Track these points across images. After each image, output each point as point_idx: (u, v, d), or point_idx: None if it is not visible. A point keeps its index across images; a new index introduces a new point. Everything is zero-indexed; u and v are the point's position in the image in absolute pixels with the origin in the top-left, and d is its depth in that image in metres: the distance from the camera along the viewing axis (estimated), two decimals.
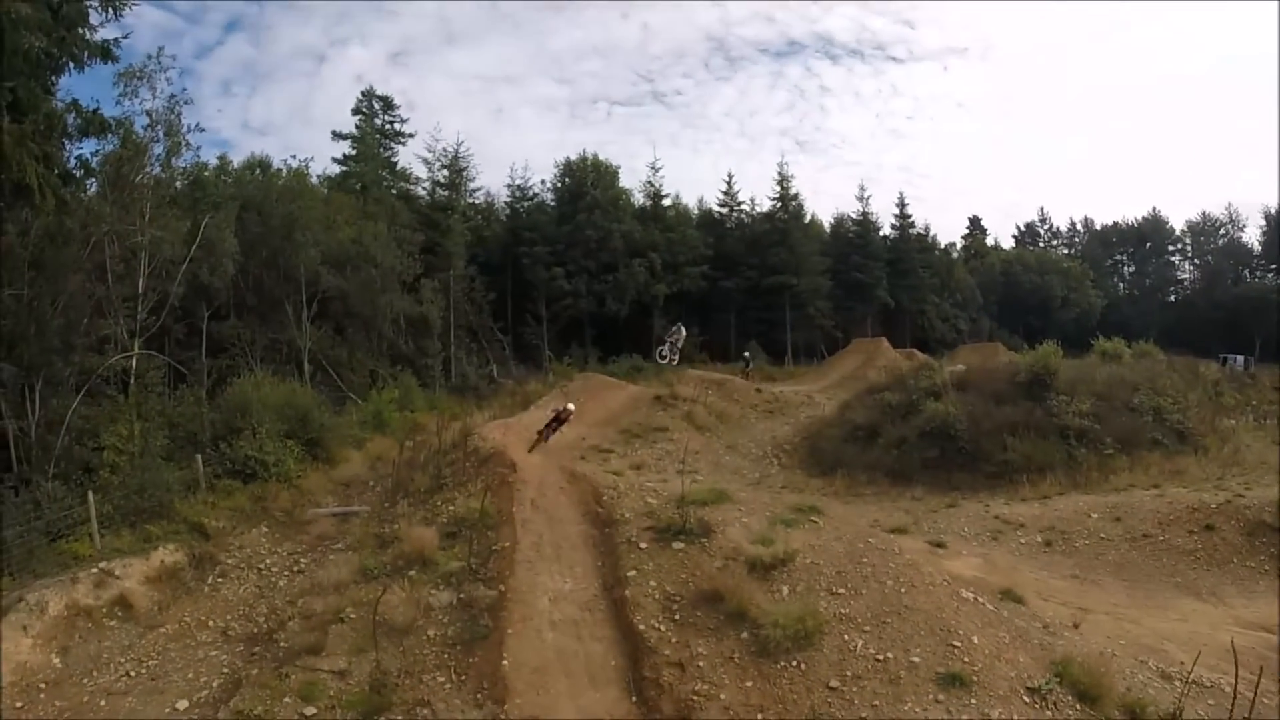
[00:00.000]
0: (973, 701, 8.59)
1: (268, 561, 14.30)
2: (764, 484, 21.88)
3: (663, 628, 10.01)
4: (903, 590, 10.39)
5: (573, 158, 56.39)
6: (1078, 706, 8.72)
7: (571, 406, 22.31)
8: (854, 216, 65.18)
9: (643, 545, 11.72)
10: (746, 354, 48.57)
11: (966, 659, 9.17)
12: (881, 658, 9.17)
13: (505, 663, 9.74)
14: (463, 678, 9.77)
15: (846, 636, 9.48)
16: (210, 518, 15.54)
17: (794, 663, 9.14)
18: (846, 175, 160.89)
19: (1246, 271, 77.80)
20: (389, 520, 14.78)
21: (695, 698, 8.96)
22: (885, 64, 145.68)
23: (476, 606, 10.95)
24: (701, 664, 9.35)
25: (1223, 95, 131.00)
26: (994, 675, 8.98)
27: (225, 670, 11.11)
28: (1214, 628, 11.54)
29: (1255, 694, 8.28)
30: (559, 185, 56.29)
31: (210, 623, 12.53)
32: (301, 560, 14.23)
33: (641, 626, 10.05)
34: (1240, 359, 48.00)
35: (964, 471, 20.83)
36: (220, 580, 13.69)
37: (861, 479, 21.56)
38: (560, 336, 51.92)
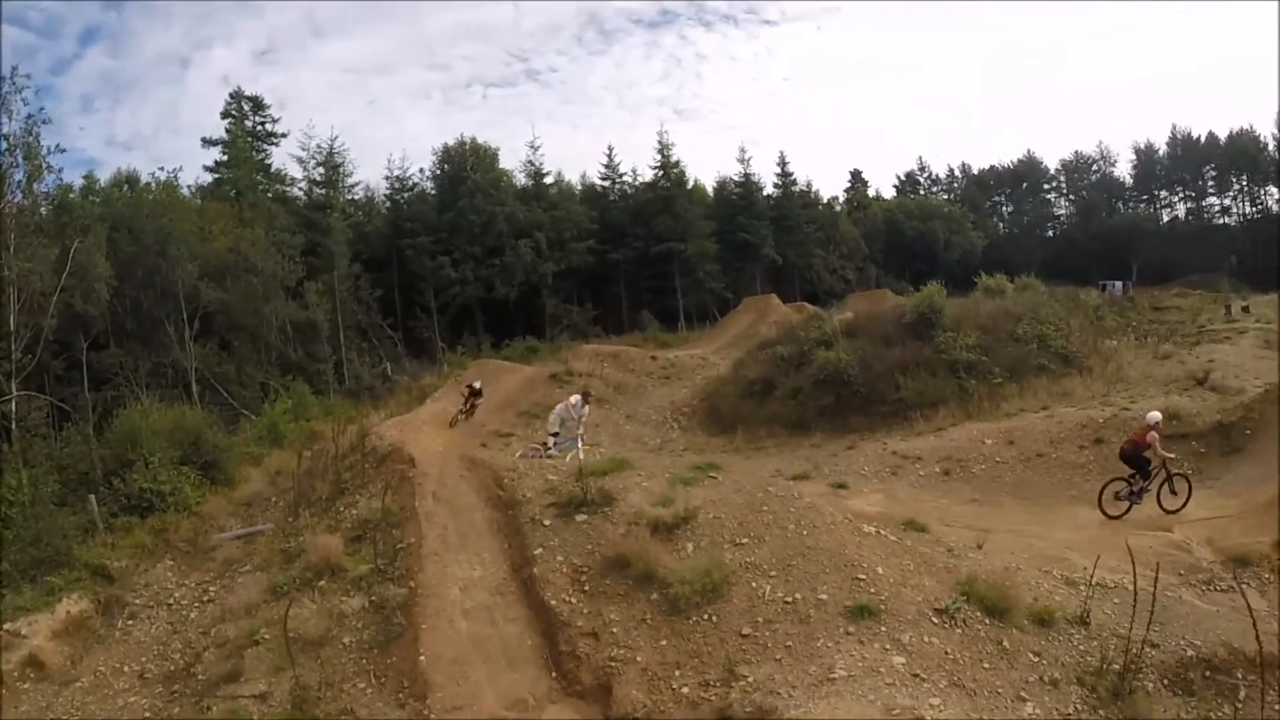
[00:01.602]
0: (882, 629, 8.94)
1: (176, 595, 13.84)
2: (666, 449, 22.71)
3: (574, 600, 10.23)
4: (804, 533, 10.74)
5: (450, 143, 56.72)
6: (987, 621, 9.19)
7: (479, 384, 23.56)
8: (736, 178, 67.12)
9: (546, 522, 11.81)
10: None
11: (873, 590, 9.55)
12: (790, 599, 9.47)
13: (422, 658, 9.84)
14: (383, 680, 9.87)
15: (754, 584, 9.77)
16: (112, 559, 15.16)
17: (705, 616, 9.40)
18: (729, 139, 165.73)
19: (1120, 203, 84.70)
20: (294, 534, 14.63)
21: (613, 664, 9.19)
22: (759, 27, 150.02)
23: (389, 607, 11.05)
24: (615, 630, 9.57)
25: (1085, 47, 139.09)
26: (901, 602, 9.37)
27: (147, 714, 10.83)
28: (1113, 533, 12.37)
29: (1155, 588, 8.94)
30: (438, 172, 56.67)
31: (125, 668, 12.06)
32: (211, 588, 13.88)
33: (553, 602, 10.25)
34: (1119, 284, 51.71)
35: (860, 414, 22.10)
36: (130, 623, 13.20)
37: (761, 433, 22.53)
38: (451, 326, 52.12)
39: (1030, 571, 10.73)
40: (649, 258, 58.29)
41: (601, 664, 9.22)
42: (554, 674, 9.56)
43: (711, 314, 56.66)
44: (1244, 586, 10.63)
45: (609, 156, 63.69)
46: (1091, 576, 10.01)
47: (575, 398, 17.53)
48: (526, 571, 10.95)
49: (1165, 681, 8.91)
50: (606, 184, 63.64)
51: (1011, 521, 13.42)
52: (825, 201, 75.51)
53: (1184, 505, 13.78)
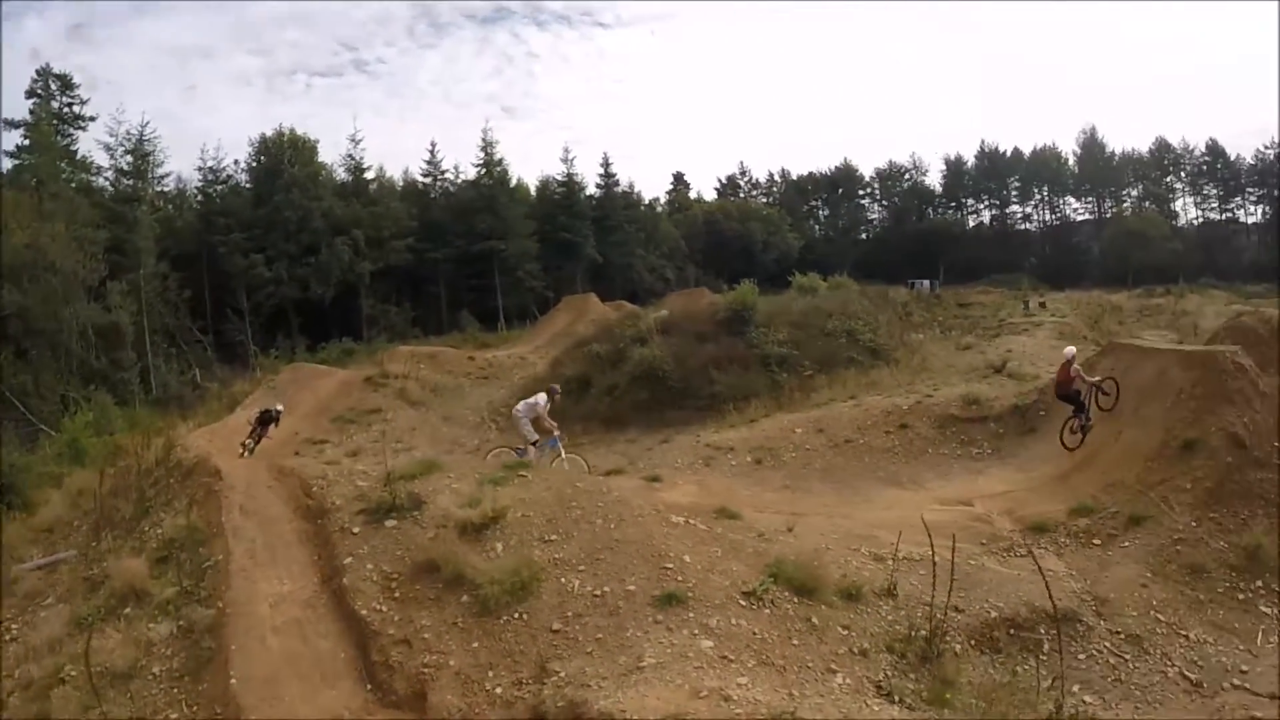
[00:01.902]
0: (690, 615, 9.08)
1: None
2: (484, 450, 22.59)
3: (385, 609, 10.00)
4: (613, 526, 10.86)
5: (269, 134, 54.68)
6: (796, 600, 9.50)
7: (280, 406, 21.56)
8: (559, 178, 68.15)
9: (356, 530, 11.36)
10: None
11: (680, 578, 9.70)
12: (599, 592, 9.57)
13: (233, 681, 9.27)
14: (195, 708, 9.28)
15: (563, 579, 9.83)
16: None
17: (516, 615, 9.39)
18: (557, 139, 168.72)
19: (930, 209, 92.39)
20: (97, 559, 13.34)
21: (426, 670, 9.06)
22: (593, 29, 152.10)
23: (197, 630, 10.34)
24: (427, 636, 9.44)
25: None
26: (709, 588, 9.56)
27: None
28: (918, 510, 12.91)
29: (953, 556, 9.56)
30: (254, 164, 54.44)
31: None
32: (13, 627, 12.34)
33: (364, 612, 9.97)
34: (927, 283, 55.44)
35: (675, 408, 22.77)
36: None
37: (577, 430, 22.61)
38: (265, 329, 50.31)
39: (840, 550, 11.16)
40: (470, 257, 58.09)
41: (415, 671, 9.07)
42: (369, 686, 9.30)
43: (532, 313, 56.82)
44: (1041, 551, 11.60)
45: (432, 153, 63.44)
46: (896, 550, 10.46)
47: (540, 396, 16.22)
48: (337, 582, 10.60)
49: (972, 642, 9.58)
50: (428, 181, 63.34)
51: (823, 505, 13.90)
52: (647, 202, 77.85)
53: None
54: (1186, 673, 9.75)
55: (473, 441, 24.00)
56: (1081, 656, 9.70)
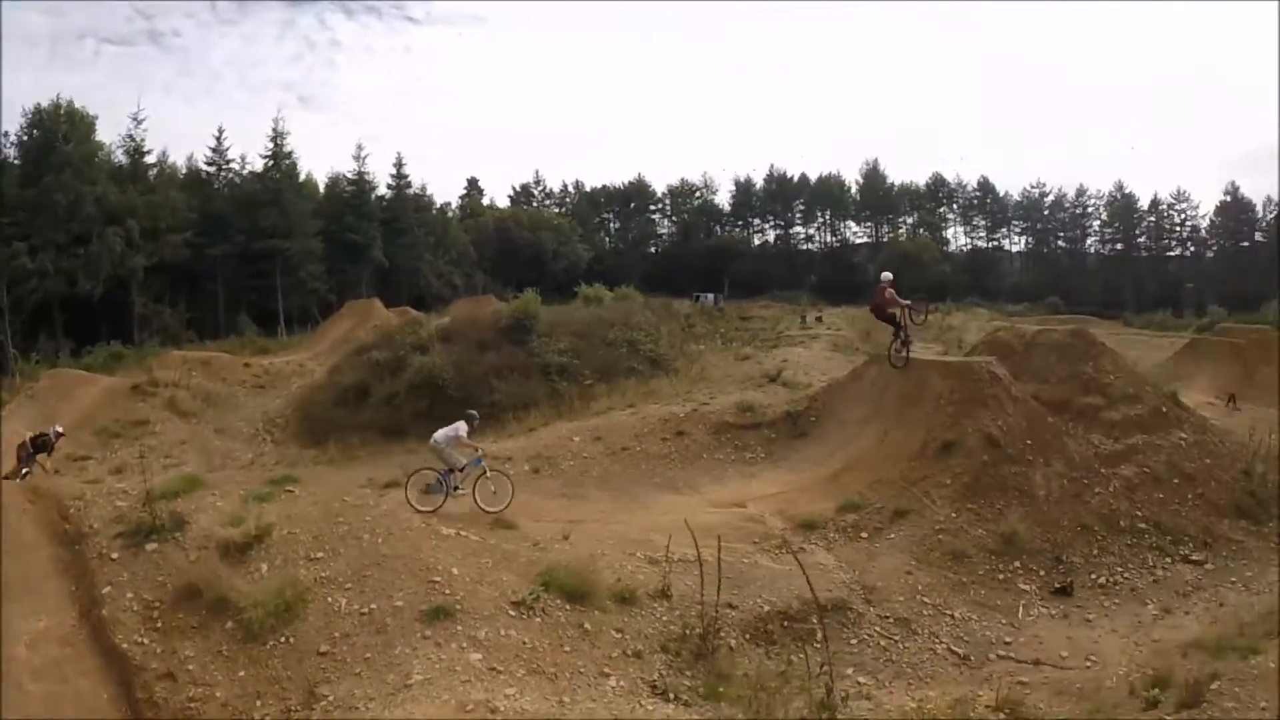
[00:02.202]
0: (459, 629, 9.08)
1: None
2: (258, 464, 22.10)
3: (147, 640, 9.43)
4: (380, 541, 10.68)
5: (44, 104, 48.93)
6: (568, 607, 9.63)
7: (60, 429, 18.65)
8: (350, 176, 65.84)
9: (115, 556, 10.56)
10: None
11: (448, 591, 9.67)
12: (366, 610, 9.42)
13: None
14: None
15: (330, 599, 9.61)
16: None
17: (282, 639, 9.14)
18: (352, 134, 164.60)
19: (718, 227, 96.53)
20: None
21: (192, 705, 8.71)
22: (403, 23, 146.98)
23: None
24: (192, 667, 9.03)
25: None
26: (478, 600, 9.57)
27: None
28: (693, 513, 13.39)
29: (717, 555, 10.02)
30: (25, 139, 48.65)
31: None
32: None
33: (125, 645, 9.37)
34: (712, 296, 57.50)
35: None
36: None
37: (355, 441, 22.52)
38: (27, 328, 45.51)
39: (615, 555, 11.37)
40: (251, 254, 55.11)
41: (181, 706, 8.69)
42: None
43: (314, 317, 54.64)
44: (812, 546, 12.43)
45: (218, 140, 59.53)
46: (669, 553, 10.76)
47: (460, 425, 14.92)
48: (96, 614, 9.87)
49: (747, 636, 10.00)
50: (212, 170, 59.55)
51: (600, 511, 14.15)
52: (439, 206, 76.66)
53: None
54: (954, 648, 10.61)
55: (247, 455, 23.25)
56: (854, 642, 10.34)
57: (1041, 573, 12.54)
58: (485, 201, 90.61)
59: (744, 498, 14.94)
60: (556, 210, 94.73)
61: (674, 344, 30.02)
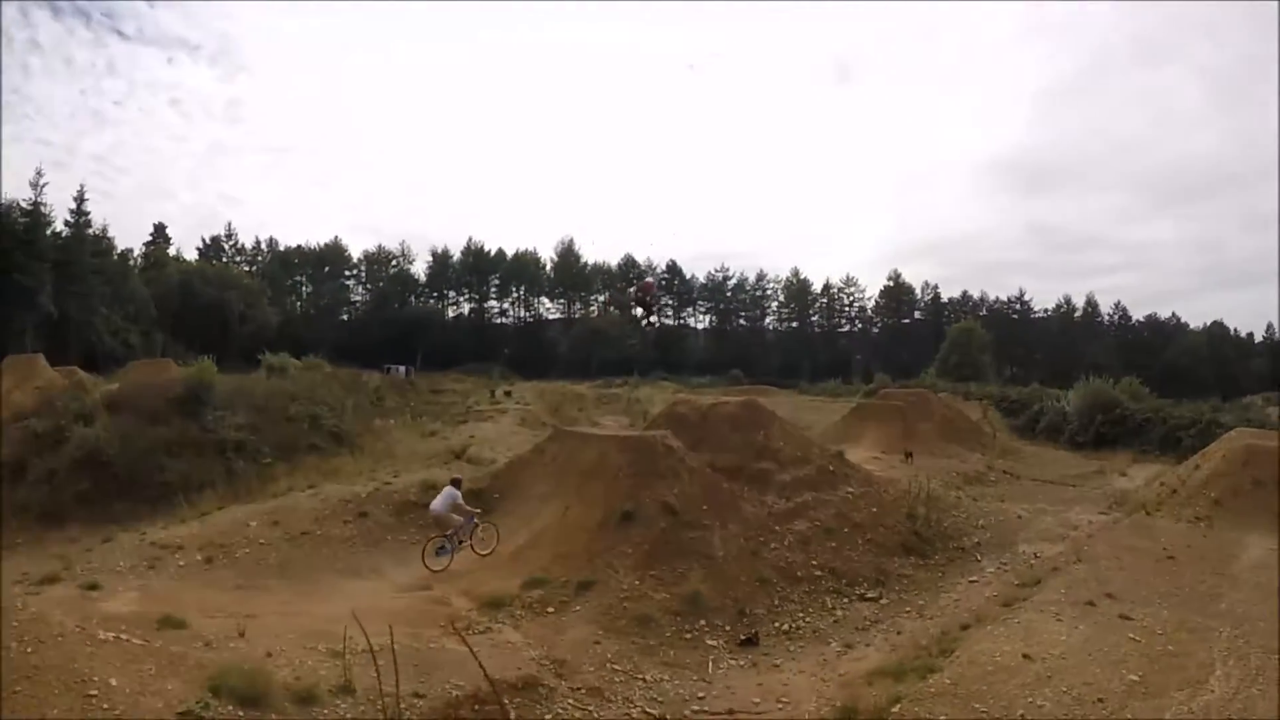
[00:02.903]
0: None
1: None
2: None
3: None
4: (30, 650, 9.24)
5: None
6: (242, 713, 8.90)
7: None
8: (25, 204, 57.73)
9: None
10: None
11: (106, 705, 8.61)
12: None
13: None
14: None
15: None
16: None
17: None
18: (33, 155, 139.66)
19: (413, 297, 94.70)
20: None
21: None
22: (110, 35, 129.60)
23: None
24: None
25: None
26: (141, 712, 8.61)
27: None
28: (378, 599, 13.18)
29: (391, 642, 9.44)
30: None
31: None
32: None
33: None
34: (403, 368, 56.21)
35: (123, 500, 20.52)
36: None
37: (12, 526, 19.53)
38: None
39: (295, 651, 10.72)
40: None
41: None
42: None
43: None
44: (499, 625, 12.47)
45: None
46: (344, 644, 10.21)
47: (451, 490, 15.26)
48: None
49: None
50: None
51: (279, 603, 13.26)
52: (120, 252, 68.72)
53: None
54: (649, 710, 10.85)
55: None
56: (548, 717, 10.27)
57: (727, 627, 13.26)
58: (171, 252, 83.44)
59: (429, 580, 14.79)
60: (247, 269, 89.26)
61: (360, 419, 28.91)
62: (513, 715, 9.93)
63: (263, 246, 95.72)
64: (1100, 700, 9.50)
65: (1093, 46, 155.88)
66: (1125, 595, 13.33)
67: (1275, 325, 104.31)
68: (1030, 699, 9.43)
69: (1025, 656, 10.51)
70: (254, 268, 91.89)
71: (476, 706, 10.05)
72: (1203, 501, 20.20)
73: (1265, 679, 10.25)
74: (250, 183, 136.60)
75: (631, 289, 19.79)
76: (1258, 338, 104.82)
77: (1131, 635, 11.56)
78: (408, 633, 9.99)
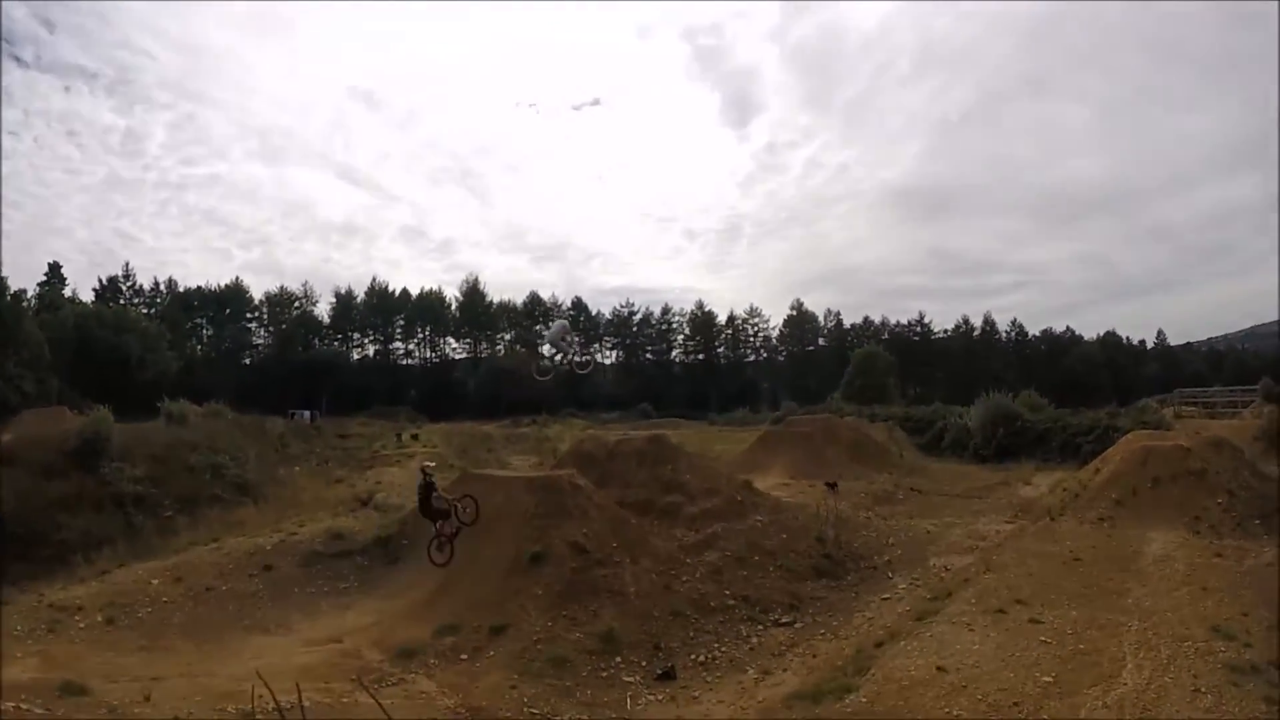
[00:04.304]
0: None
1: None
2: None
3: None
4: None
5: None
6: None
7: None
8: None
9: None
10: None
11: None
12: None
13: None
14: None
15: None
16: None
17: None
18: None
19: (317, 339, 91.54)
20: None
21: None
22: (8, 62, 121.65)
23: None
24: None
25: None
26: None
27: None
28: (287, 655, 12.69)
29: (300, 698, 9.24)
30: None
31: None
32: None
33: None
34: (308, 413, 54.20)
35: (19, 560, 19.23)
36: None
37: None
38: None
39: (203, 714, 10.32)
40: None
41: None
42: None
43: None
44: (413, 675, 12.11)
45: None
46: (254, 705, 9.87)
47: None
48: None
49: None
50: None
51: (185, 664, 12.66)
52: (13, 293, 63.83)
53: None
54: None
55: None
56: None
57: (643, 663, 13.13)
58: (67, 293, 78.30)
59: (339, 632, 14.21)
60: (145, 311, 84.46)
61: (264, 467, 27.87)
62: None
63: (161, 288, 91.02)
64: (1016, 704, 9.64)
65: (984, 79, 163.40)
66: (1035, 599, 13.53)
67: (1164, 332, 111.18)
68: (947, 709, 9.55)
69: (939, 669, 10.66)
70: (153, 310, 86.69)
71: None
72: (1104, 503, 20.39)
73: (1176, 668, 10.57)
74: (148, 220, 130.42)
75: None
76: (1149, 344, 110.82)
77: (1043, 638, 11.75)
78: (320, 688, 9.66)
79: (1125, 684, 10.21)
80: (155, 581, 16.18)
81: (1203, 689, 9.88)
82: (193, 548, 18.72)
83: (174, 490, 22.89)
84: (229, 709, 10.49)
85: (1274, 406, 36.46)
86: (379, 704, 9.28)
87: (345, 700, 10.69)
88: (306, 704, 9.48)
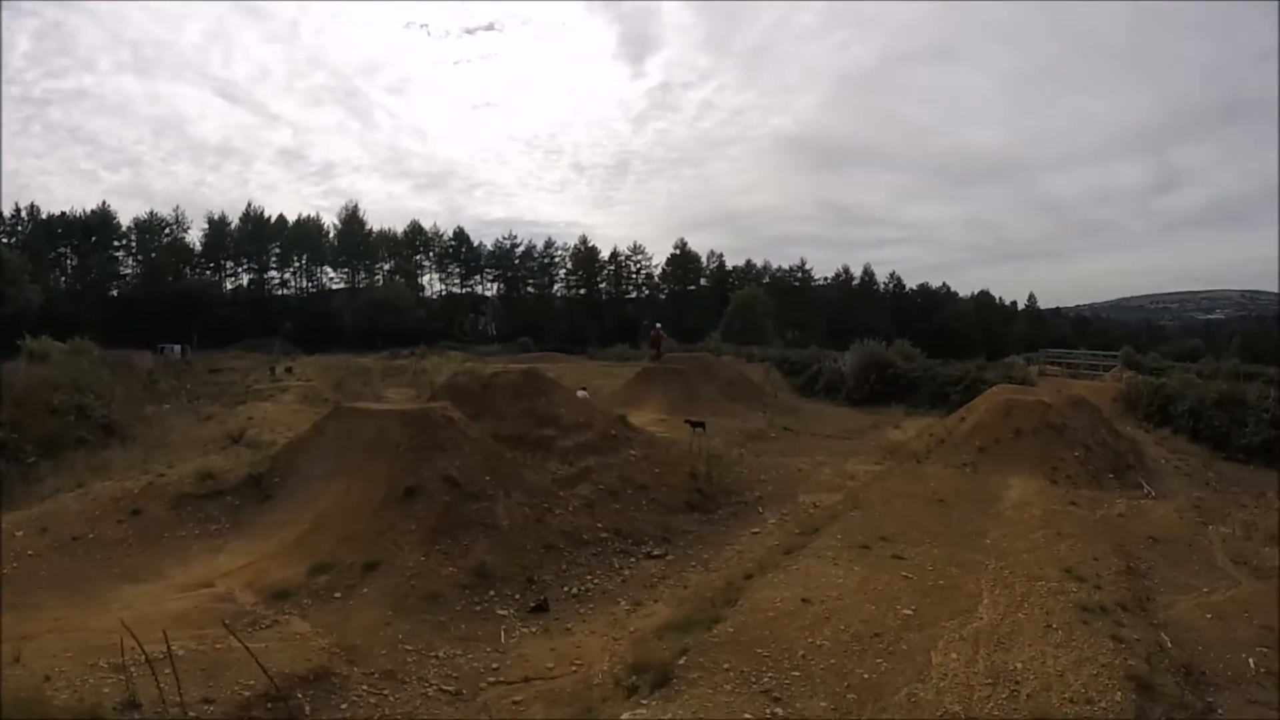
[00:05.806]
0: None
1: None
2: None
3: None
4: None
5: None
6: None
7: None
8: None
9: None
10: None
11: None
12: None
13: None
14: None
15: None
16: None
17: None
18: None
19: (188, 269, 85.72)
20: None
21: None
22: None
23: None
24: None
25: None
26: None
27: None
28: (158, 603, 12.10)
29: (167, 648, 9.08)
30: None
31: None
32: None
33: None
34: (179, 348, 51.52)
35: None
36: None
37: None
38: None
39: (76, 670, 9.76)
40: None
41: None
42: None
43: None
44: (287, 616, 11.67)
45: None
46: (123, 657, 9.46)
47: None
48: None
49: None
50: None
51: (55, 619, 11.74)
52: None
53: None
54: (444, 687, 10.36)
55: None
56: (344, 706, 9.67)
57: (517, 596, 12.98)
58: None
59: (212, 576, 13.45)
60: (5, 241, 77.72)
61: (131, 406, 26.29)
62: (307, 710, 9.45)
63: (22, 214, 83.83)
64: (877, 635, 10.00)
65: (891, 41, 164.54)
66: (898, 537, 13.96)
67: (1035, 295, 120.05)
68: (811, 639, 9.81)
69: (804, 600, 10.96)
70: (13, 240, 79.56)
71: (269, 705, 9.41)
72: (969, 450, 21.06)
73: (1030, 605, 11.15)
74: (8, 139, 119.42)
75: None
76: (1020, 305, 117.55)
77: (905, 573, 12.19)
78: (193, 635, 9.28)
79: (981, 618, 10.70)
80: (19, 533, 14.85)
81: (1054, 625, 10.45)
82: (57, 495, 17.33)
83: (36, 434, 21.21)
84: (101, 663, 9.96)
85: (1133, 372, 38.90)
86: (248, 650, 9.08)
87: (219, 646, 10.24)
88: (180, 653, 9.26)
